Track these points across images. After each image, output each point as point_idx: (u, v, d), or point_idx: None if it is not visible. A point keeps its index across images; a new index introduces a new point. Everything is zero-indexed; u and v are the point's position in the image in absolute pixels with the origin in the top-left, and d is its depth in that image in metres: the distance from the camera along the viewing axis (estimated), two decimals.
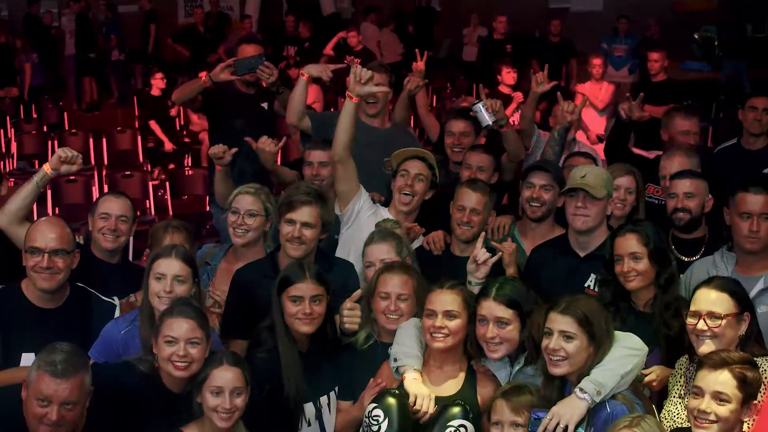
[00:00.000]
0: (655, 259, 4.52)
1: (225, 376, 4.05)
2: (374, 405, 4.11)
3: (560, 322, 3.95)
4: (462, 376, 4.31)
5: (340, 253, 5.36)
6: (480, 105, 6.10)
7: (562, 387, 4.04)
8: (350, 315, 4.60)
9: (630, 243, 4.53)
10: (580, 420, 3.84)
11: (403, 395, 4.14)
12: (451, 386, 4.29)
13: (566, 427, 3.84)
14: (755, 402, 3.75)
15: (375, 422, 4.07)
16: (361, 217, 5.42)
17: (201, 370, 4.09)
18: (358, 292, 4.64)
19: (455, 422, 4.04)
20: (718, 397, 3.71)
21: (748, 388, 3.73)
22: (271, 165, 6.17)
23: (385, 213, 5.45)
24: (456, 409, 4.06)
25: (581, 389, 3.86)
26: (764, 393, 3.88)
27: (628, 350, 3.97)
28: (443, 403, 4.14)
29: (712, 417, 3.70)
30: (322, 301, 4.41)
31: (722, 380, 3.72)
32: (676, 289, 4.59)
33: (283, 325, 4.39)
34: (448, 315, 4.23)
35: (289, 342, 4.38)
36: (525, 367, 4.27)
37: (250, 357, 4.38)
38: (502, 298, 4.21)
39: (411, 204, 5.50)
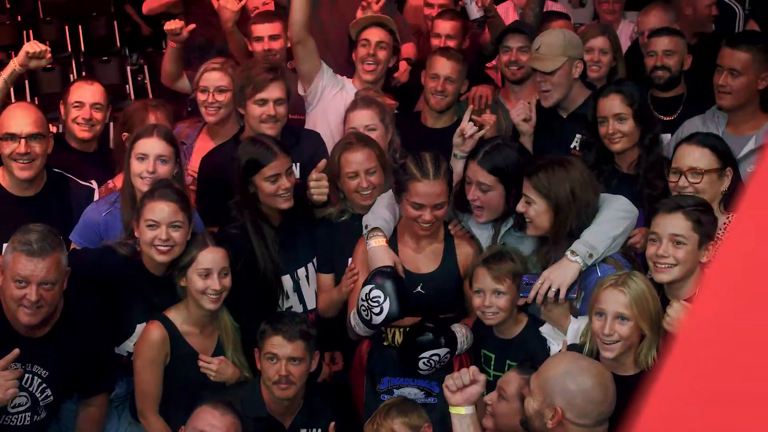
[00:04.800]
0: (640, 119, 4.42)
1: (213, 257, 4.03)
2: (370, 287, 3.92)
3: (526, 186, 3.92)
4: (440, 247, 4.25)
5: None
6: None
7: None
8: (317, 186, 4.44)
9: (614, 104, 4.42)
10: (572, 283, 3.80)
11: (395, 270, 4.01)
12: (431, 262, 4.24)
13: (558, 290, 3.79)
14: (711, 243, 3.69)
15: (376, 304, 3.89)
16: (327, 95, 5.17)
17: (184, 253, 4.05)
18: (323, 162, 4.48)
19: (426, 353, 3.96)
20: (675, 240, 3.67)
21: (703, 229, 3.68)
22: (230, 26, 5.68)
23: (350, 86, 5.21)
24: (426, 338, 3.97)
25: (573, 252, 3.81)
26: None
27: (618, 212, 3.92)
28: (411, 329, 4.03)
29: (671, 260, 3.67)
30: (292, 173, 4.35)
31: (677, 223, 3.68)
32: (660, 149, 4.50)
33: (251, 204, 4.30)
34: (437, 207, 4.09)
35: (259, 219, 4.31)
36: (512, 229, 4.22)
37: (222, 233, 4.33)
38: (486, 164, 4.11)
39: (376, 72, 5.24)
